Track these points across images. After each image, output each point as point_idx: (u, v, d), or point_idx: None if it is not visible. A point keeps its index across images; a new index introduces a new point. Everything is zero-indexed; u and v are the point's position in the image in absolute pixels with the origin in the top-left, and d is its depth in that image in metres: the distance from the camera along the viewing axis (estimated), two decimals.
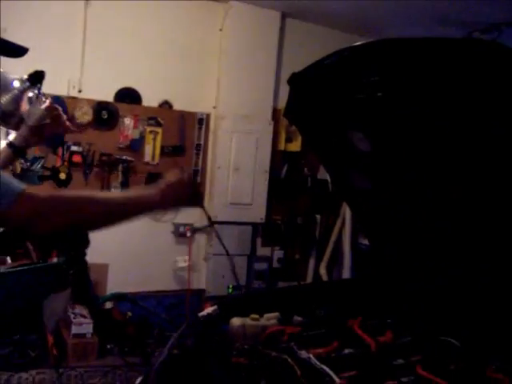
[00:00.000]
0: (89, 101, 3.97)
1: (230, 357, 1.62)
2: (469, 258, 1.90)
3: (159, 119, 4.23)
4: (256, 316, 1.87)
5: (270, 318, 1.90)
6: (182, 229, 4.35)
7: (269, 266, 4.67)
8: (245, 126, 4.37)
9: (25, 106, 1.91)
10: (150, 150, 4.22)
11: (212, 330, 1.82)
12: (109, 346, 3.64)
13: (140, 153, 4.18)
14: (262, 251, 4.68)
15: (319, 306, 1.97)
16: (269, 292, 3.75)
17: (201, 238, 4.49)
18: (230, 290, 4.39)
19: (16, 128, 1.92)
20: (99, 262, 3.98)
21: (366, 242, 4.30)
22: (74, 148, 3.92)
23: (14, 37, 1.37)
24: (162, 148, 4.25)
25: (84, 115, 3.93)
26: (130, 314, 3.95)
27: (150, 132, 4.21)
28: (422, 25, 4.14)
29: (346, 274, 4.62)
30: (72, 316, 3.52)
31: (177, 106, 4.34)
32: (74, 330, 3.48)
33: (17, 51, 1.35)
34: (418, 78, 1.47)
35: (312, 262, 4.87)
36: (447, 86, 1.45)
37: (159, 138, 4.24)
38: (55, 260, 3.51)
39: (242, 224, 4.46)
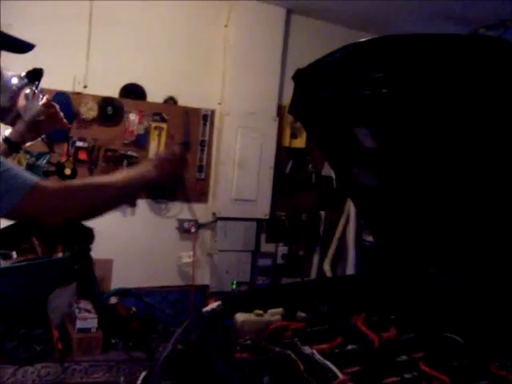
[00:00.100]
0: (94, 96, 3.98)
1: (233, 352, 1.63)
2: (474, 255, 1.90)
3: (164, 115, 4.24)
4: (260, 312, 1.88)
5: (273, 314, 1.90)
6: (186, 225, 4.35)
7: (273, 262, 4.67)
8: (250, 122, 4.37)
9: (21, 102, 1.92)
10: (155, 146, 4.22)
11: (216, 326, 1.82)
12: (113, 341, 3.66)
13: (145, 148, 4.19)
14: (267, 247, 4.69)
15: (322, 302, 1.97)
16: (272, 288, 3.76)
17: (205, 234, 4.50)
18: (234, 286, 4.40)
19: (12, 124, 1.94)
20: (104, 258, 4.00)
21: (370, 238, 4.29)
22: (79, 144, 3.94)
23: (20, 33, 1.36)
24: (167, 144, 4.26)
25: (89, 111, 3.94)
26: (134, 309, 3.96)
27: (155, 128, 4.22)
28: (428, 21, 4.12)
29: (350, 270, 4.62)
30: (77, 311, 3.53)
31: (182, 102, 4.34)
32: (79, 324, 3.49)
33: (22, 47, 1.35)
34: (422, 75, 1.47)
35: (316, 259, 4.87)
36: (453, 83, 1.44)
37: (164, 133, 4.25)
38: (60, 255, 3.53)
39: (247, 220, 4.47)
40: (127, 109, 4.11)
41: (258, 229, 4.58)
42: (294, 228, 4.72)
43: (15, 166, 1.23)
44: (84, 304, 3.63)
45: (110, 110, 4.02)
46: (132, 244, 4.19)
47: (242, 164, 4.37)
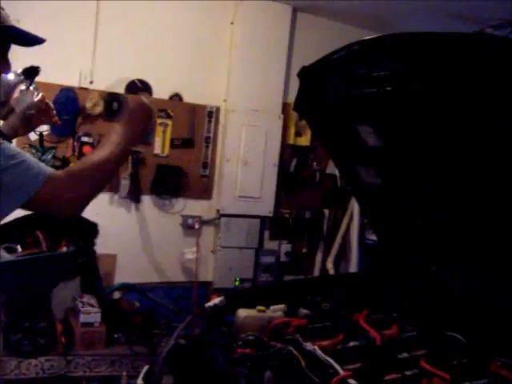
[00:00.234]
0: (100, 92, 3.99)
1: (235, 347, 1.64)
2: (477, 254, 1.90)
3: (169, 111, 4.25)
4: (262, 308, 1.89)
5: (275, 310, 1.91)
6: (190, 221, 4.36)
7: (276, 260, 4.67)
8: (254, 119, 4.37)
9: (15, 97, 1.96)
10: (160, 142, 4.23)
11: (218, 321, 1.84)
12: (116, 335, 3.67)
13: (150, 145, 4.20)
14: (270, 245, 4.70)
15: (324, 300, 1.98)
16: (275, 284, 3.77)
17: (209, 231, 4.51)
18: (237, 283, 4.41)
19: (4, 118, 1.97)
20: (108, 253, 4.01)
21: (373, 237, 4.29)
22: (84, 139, 3.95)
23: (27, 29, 1.38)
24: (172, 140, 4.26)
25: (95, 106, 3.95)
26: (137, 304, 3.98)
27: (160, 124, 4.23)
28: (435, 20, 4.10)
29: (354, 268, 4.62)
30: (80, 305, 3.55)
31: (187, 99, 4.34)
32: (82, 318, 3.51)
33: (32, 40, 1.37)
34: (427, 73, 1.47)
35: (319, 256, 4.87)
36: (457, 81, 1.44)
37: (169, 130, 4.25)
38: (64, 249, 3.55)
39: (250, 217, 4.47)
40: None
41: (262, 226, 4.58)
42: (297, 226, 4.72)
43: (29, 156, 1.25)
44: (87, 298, 3.65)
45: (116, 106, 4.03)
46: (136, 239, 4.20)
47: (247, 161, 4.38)
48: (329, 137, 2.19)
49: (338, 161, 2.34)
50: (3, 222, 1.31)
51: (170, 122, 4.25)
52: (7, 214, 1.23)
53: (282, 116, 4.50)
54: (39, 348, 3.36)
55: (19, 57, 1.61)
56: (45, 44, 1.41)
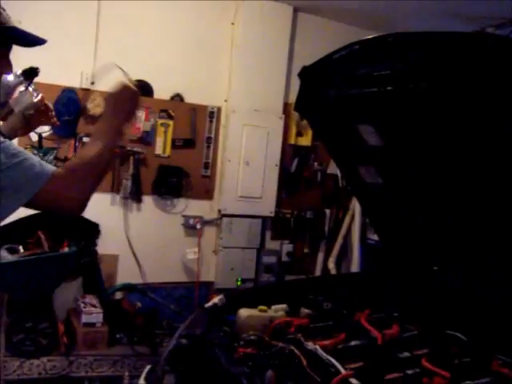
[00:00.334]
0: (101, 93, 3.99)
1: (237, 347, 1.65)
2: (477, 254, 1.91)
3: (171, 112, 4.26)
4: (264, 307, 1.89)
5: (277, 310, 1.92)
6: (191, 221, 4.37)
7: (278, 260, 4.68)
8: (256, 119, 4.38)
9: (14, 97, 1.97)
10: (162, 143, 4.24)
11: (219, 320, 1.84)
12: (118, 336, 3.68)
13: (151, 145, 4.21)
14: (272, 245, 4.70)
15: (326, 299, 1.98)
16: (276, 284, 3.77)
17: (210, 231, 4.51)
18: (239, 283, 4.42)
19: (3, 119, 1.98)
20: (109, 253, 4.02)
21: (374, 237, 4.29)
22: (85, 139, 3.95)
23: (28, 29, 1.38)
24: (173, 141, 4.27)
25: (96, 107, 3.95)
26: (139, 304, 3.99)
27: (162, 124, 4.23)
28: (435, 20, 4.10)
29: (355, 268, 4.62)
30: (82, 305, 3.56)
31: (188, 99, 4.35)
32: (84, 319, 3.52)
33: (33, 41, 1.37)
34: (428, 72, 1.47)
35: (321, 256, 4.88)
36: (458, 81, 1.44)
37: (170, 130, 4.26)
38: (66, 250, 3.56)
39: (252, 217, 4.48)
40: None
41: (263, 226, 4.59)
42: (298, 226, 4.73)
43: (31, 155, 1.25)
44: (89, 299, 3.66)
45: None
46: (137, 240, 4.21)
47: (248, 161, 4.38)
48: (330, 137, 2.19)
49: (340, 161, 2.34)
50: (4, 223, 1.32)
51: (171, 123, 4.26)
52: (10, 213, 1.24)
53: (283, 116, 4.50)
54: (41, 348, 3.37)
55: (21, 58, 1.62)
56: (46, 45, 1.41)
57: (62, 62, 3.72)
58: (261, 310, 1.88)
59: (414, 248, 2.24)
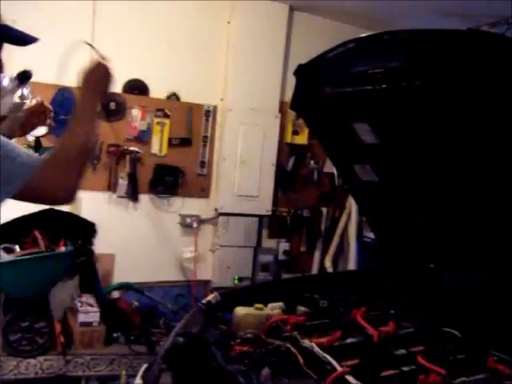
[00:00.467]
0: None
1: (233, 345, 1.65)
2: (473, 251, 1.91)
3: (167, 111, 4.25)
4: (260, 305, 1.90)
5: (273, 308, 1.92)
6: (188, 220, 4.37)
7: (274, 258, 4.68)
8: (252, 118, 4.38)
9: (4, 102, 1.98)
10: (158, 142, 4.24)
11: (214, 317, 1.84)
12: (115, 335, 3.68)
13: (148, 144, 4.20)
14: (268, 243, 4.71)
15: (322, 297, 1.98)
16: (273, 282, 3.78)
17: (207, 230, 4.51)
18: (236, 281, 4.42)
19: None
20: (106, 252, 4.02)
21: (371, 235, 4.30)
22: None
23: (23, 28, 1.37)
24: (170, 140, 4.27)
25: None
26: (136, 303, 3.99)
27: (158, 123, 4.23)
28: (431, 18, 4.11)
29: (352, 266, 4.63)
30: (79, 304, 3.56)
31: (184, 98, 4.35)
32: (81, 318, 3.52)
33: (25, 40, 1.36)
34: (422, 70, 1.47)
35: (317, 255, 4.88)
36: (453, 78, 1.45)
37: (167, 129, 4.26)
38: (63, 249, 3.55)
39: (248, 216, 4.48)
40: (130, 104, 4.12)
41: (260, 225, 4.60)
42: (295, 224, 4.73)
43: (18, 146, 1.24)
44: (86, 298, 3.66)
45: (113, 106, 4.03)
46: (134, 239, 4.20)
47: (244, 160, 4.38)
48: (326, 135, 2.19)
49: (336, 159, 2.35)
50: (1, 222, 1.31)
51: (167, 122, 4.25)
52: None
53: (279, 115, 4.51)
54: (38, 348, 3.36)
55: (19, 57, 1.61)
56: (42, 44, 1.41)
57: (58, 62, 3.70)
58: (257, 308, 1.88)
59: (411, 246, 2.24)
